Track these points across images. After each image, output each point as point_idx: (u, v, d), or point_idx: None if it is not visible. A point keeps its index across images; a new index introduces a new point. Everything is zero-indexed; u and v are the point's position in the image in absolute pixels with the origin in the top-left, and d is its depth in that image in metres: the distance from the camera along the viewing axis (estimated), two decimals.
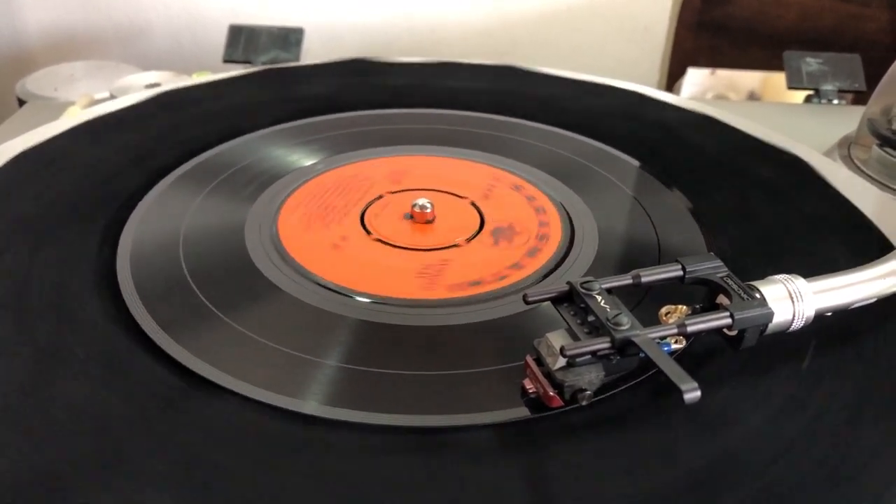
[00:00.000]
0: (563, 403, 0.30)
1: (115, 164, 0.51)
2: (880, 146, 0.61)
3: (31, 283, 0.38)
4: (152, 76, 0.82)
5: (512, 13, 1.16)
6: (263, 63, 0.81)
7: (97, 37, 1.16)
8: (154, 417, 0.30)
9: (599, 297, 0.31)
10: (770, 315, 0.31)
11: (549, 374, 0.30)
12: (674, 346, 0.32)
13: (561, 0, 1.14)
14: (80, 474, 0.27)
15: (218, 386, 0.32)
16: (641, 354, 0.29)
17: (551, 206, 0.48)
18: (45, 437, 0.29)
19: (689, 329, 0.30)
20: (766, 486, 0.27)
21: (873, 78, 0.67)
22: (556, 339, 0.30)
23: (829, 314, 0.34)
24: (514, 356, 0.33)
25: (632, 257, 0.44)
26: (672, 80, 1.13)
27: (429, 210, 0.45)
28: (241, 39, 0.84)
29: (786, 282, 0.32)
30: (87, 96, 0.74)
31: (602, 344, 0.29)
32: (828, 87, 0.80)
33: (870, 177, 0.60)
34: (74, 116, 0.57)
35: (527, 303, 0.32)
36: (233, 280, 0.40)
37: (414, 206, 0.46)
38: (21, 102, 0.83)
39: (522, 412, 0.31)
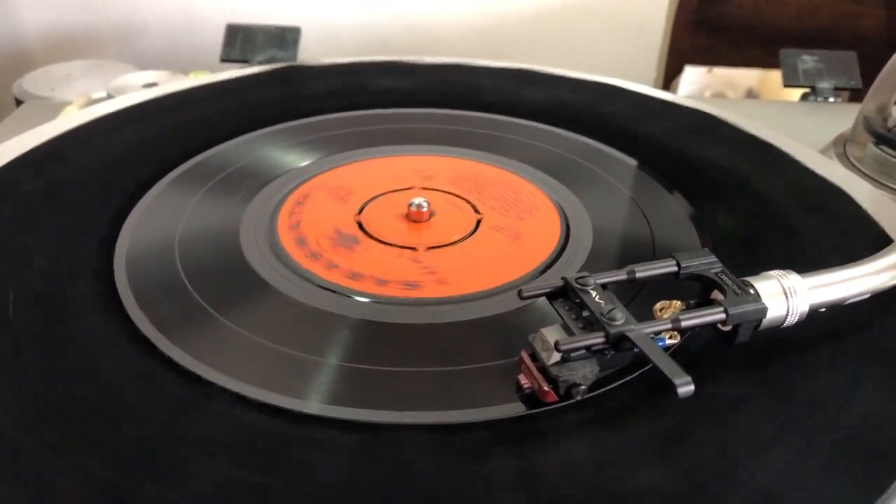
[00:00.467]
0: (557, 398, 0.30)
1: (112, 164, 0.51)
2: (876, 144, 0.61)
3: (27, 284, 0.38)
4: (149, 76, 0.82)
5: (509, 12, 1.16)
6: (260, 62, 0.81)
7: (94, 36, 1.16)
8: (151, 418, 0.30)
9: (594, 293, 0.31)
10: (764, 310, 0.31)
11: (543, 369, 0.30)
12: (668, 342, 0.32)
13: None
14: (75, 475, 0.27)
15: (216, 385, 0.32)
16: (636, 349, 0.29)
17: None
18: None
19: (684, 324, 0.30)
20: (765, 484, 0.28)
21: (870, 76, 0.67)
22: (551, 334, 0.30)
23: (824, 310, 0.34)
24: (510, 352, 0.33)
25: (627, 254, 0.44)
26: (669, 79, 1.13)
27: (425, 209, 0.46)
28: (238, 39, 0.84)
29: (780, 277, 0.33)
30: (85, 96, 0.74)
31: (596, 339, 0.29)
32: (824, 84, 0.80)
33: (865, 174, 0.60)
34: (71, 116, 0.57)
35: (522, 298, 0.32)
36: (229, 280, 0.40)
37: (410, 205, 0.46)
38: (18, 102, 0.83)
39: (518, 407, 0.31)
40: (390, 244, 0.44)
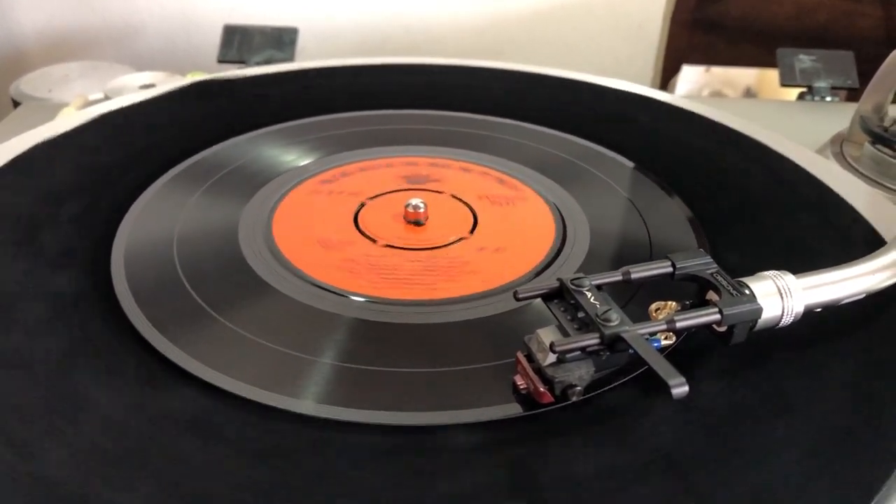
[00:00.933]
0: (553, 399, 0.30)
1: (110, 164, 0.51)
2: (872, 143, 0.61)
3: (25, 284, 0.38)
4: (146, 77, 0.82)
5: (506, 11, 1.16)
6: (258, 63, 0.81)
7: (91, 37, 1.16)
8: (149, 417, 0.30)
9: (589, 294, 0.31)
10: (759, 311, 0.31)
11: (539, 371, 0.30)
12: (663, 343, 0.32)
13: None
14: (75, 474, 0.27)
15: (213, 385, 0.32)
16: (631, 350, 0.29)
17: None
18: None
19: (679, 325, 0.30)
20: (763, 483, 0.28)
21: (867, 75, 0.67)
22: (547, 335, 0.30)
23: (819, 310, 0.34)
24: (506, 353, 0.33)
25: (624, 255, 0.44)
26: (666, 78, 1.14)
27: (422, 210, 0.46)
28: (236, 39, 0.84)
29: (775, 278, 0.33)
30: (82, 97, 0.74)
31: (591, 340, 0.29)
32: (821, 84, 0.80)
33: (862, 174, 0.61)
34: (69, 117, 0.57)
35: (517, 299, 0.32)
36: (226, 279, 0.40)
37: (407, 206, 0.46)
38: (15, 104, 0.83)
39: (514, 408, 0.31)
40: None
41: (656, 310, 0.35)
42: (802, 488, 0.27)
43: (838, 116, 0.70)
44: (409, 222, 0.46)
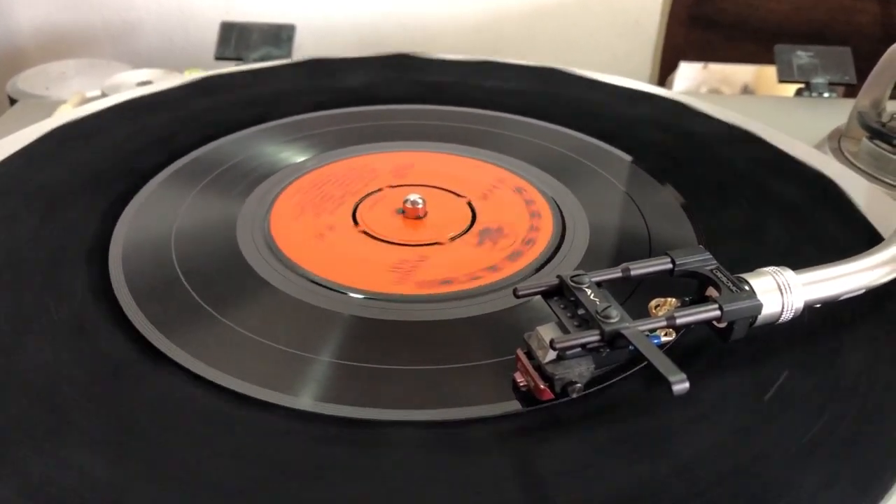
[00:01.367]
0: (553, 396, 0.30)
1: (107, 161, 0.51)
2: (870, 139, 0.61)
3: (23, 285, 0.38)
4: (144, 74, 0.81)
5: (503, 8, 1.16)
6: (254, 60, 0.81)
7: (89, 35, 1.15)
8: (148, 416, 0.30)
9: (589, 291, 0.31)
10: (759, 307, 0.31)
11: (539, 368, 0.30)
12: (663, 339, 0.32)
13: None
14: (75, 474, 0.27)
15: (212, 383, 0.32)
16: (631, 347, 0.29)
17: (544, 201, 0.48)
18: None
19: (679, 321, 0.30)
20: (761, 482, 0.28)
21: (865, 71, 0.67)
22: (547, 332, 0.30)
23: (819, 305, 0.34)
24: (506, 350, 0.33)
25: (624, 251, 0.44)
26: (664, 75, 1.13)
27: (420, 206, 0.46)
28: (233, 36, 0.84)
29: (775, 274, 0.33)
30: (79, 95, 0.74)
31: (591, 337, 0.29)
32: (818, 80, 0.80)
33: (860, 169, 0.61)
34: (66, 114, 0.56)
35: (517, 297, 0.32)
36: (224, 276, 0.40)
37: (406, 201, 0.46)
38: (12, 101, 0.82)
39: (514, 405, 0.31)
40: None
41: (656, 306, 0.35)
42: (801, 487, 0.27)
43: (836, 112, 0.70)
44: (407, 218, 0.46)
